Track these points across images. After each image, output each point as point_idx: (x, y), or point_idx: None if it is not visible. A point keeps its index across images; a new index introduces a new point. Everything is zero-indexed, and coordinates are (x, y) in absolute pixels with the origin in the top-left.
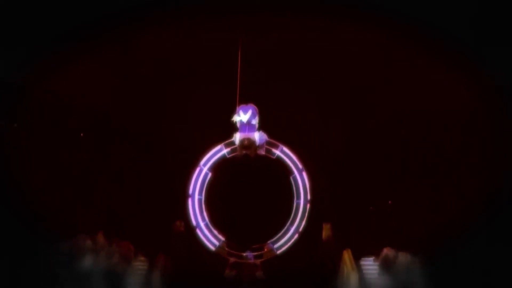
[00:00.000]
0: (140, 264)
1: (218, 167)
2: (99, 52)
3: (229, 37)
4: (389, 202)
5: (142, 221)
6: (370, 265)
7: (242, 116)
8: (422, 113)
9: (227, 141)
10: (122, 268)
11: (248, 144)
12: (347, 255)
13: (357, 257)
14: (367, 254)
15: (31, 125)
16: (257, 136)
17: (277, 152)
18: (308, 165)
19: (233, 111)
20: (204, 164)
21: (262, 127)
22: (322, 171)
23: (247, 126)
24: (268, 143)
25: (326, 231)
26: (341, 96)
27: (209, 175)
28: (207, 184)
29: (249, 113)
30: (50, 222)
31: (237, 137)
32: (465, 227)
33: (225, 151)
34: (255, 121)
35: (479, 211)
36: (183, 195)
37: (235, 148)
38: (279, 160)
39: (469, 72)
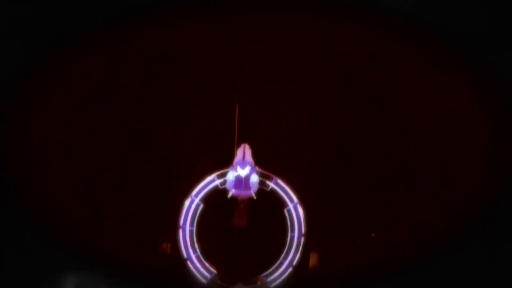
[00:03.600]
0: None
1: (210, 198)
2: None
3: (227, 36)
4: (373, 234)
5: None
6: None
7: (239, 171)
8: (421, 113)
9: (219, 172)
10: None
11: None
12: None
13: None
14: None
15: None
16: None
17: (271, 184)
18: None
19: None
20: (196, 195)
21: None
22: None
23: (244, 181)
24: (262, 174)
25: (313, 260)
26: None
27: (201, 206)
28: (199, 215)
29: (247, 168)
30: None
31: (231, 192)
32: (464, 229)
33: (217, 182)
34: (255, 177)
35: (479, 213)
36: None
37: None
38: (273, 193)
39: (469, 71)
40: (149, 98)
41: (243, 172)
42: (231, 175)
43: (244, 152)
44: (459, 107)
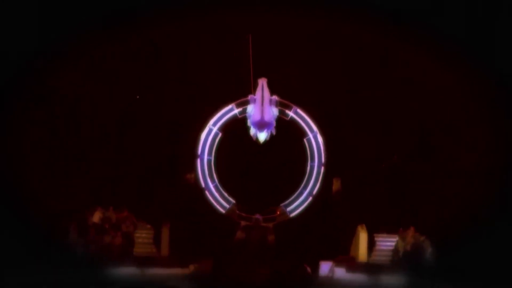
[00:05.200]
0: (145, 233)
1: (229, 127)
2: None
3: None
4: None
5: (147, 189)
6: (383, 240)
7: (258, 134)
8: (420, 113)
9: (238, 101)
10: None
11: None
12: (361, 231)
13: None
14: (381, 229)
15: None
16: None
17: (290, 113)
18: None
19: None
20: (214, 124)
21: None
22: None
23: None
24: (281, 104)
25: (336, 185)
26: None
27: (220, 135)
28: (217, 145)
29: (264, 133)
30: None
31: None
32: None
33: (236, 111)
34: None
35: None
36: (192, 157)
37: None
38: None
39: (469, 71)
40: None
41: (261, 136)
42: (250, 108)
43: (262, 93)
44: (459, 107)
